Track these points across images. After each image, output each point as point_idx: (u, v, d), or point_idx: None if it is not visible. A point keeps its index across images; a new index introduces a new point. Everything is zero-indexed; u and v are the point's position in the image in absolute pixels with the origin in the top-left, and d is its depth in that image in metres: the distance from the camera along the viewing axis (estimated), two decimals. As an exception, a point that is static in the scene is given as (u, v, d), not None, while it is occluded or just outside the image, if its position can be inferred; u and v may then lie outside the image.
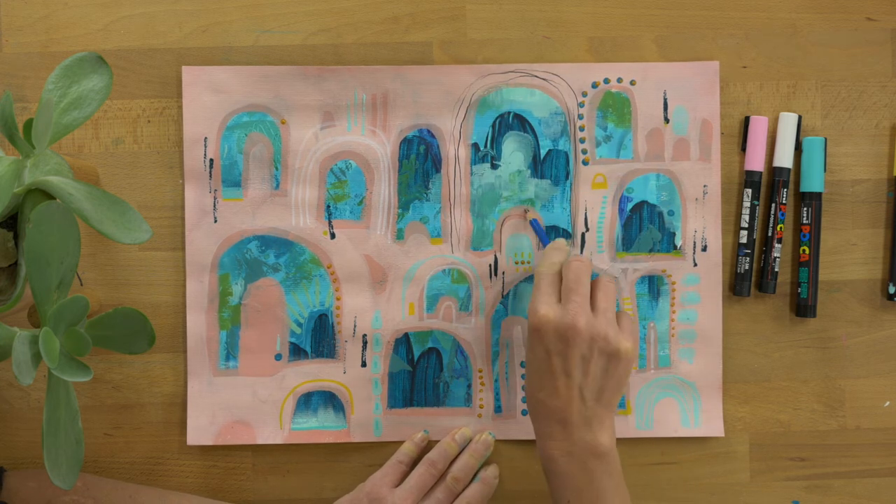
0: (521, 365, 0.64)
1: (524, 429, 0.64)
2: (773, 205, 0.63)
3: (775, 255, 0.63)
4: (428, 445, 0.63)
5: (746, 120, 0.64)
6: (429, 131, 0.63)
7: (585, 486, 0.53)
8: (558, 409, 0.53)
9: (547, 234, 0.63)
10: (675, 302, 0.64)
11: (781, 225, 0.64)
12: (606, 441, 0.54)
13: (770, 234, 0.64)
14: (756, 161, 0.63)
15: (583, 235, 0.64)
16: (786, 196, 0.63)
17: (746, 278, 0.64)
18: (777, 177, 0.63)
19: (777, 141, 0.63)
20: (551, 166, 0.64)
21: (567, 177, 0.64)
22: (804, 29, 0.64)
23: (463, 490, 0.61)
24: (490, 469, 0.62)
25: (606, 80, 0.63)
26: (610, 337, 0.53)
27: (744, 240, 0.63)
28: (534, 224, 0.62)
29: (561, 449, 0.54)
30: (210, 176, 0.63)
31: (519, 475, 0.64)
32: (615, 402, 0.54)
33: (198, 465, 0.64)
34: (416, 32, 0.63)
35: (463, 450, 0.62)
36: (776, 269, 0.63)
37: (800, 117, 0.63)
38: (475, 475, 0.62)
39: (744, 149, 0.64)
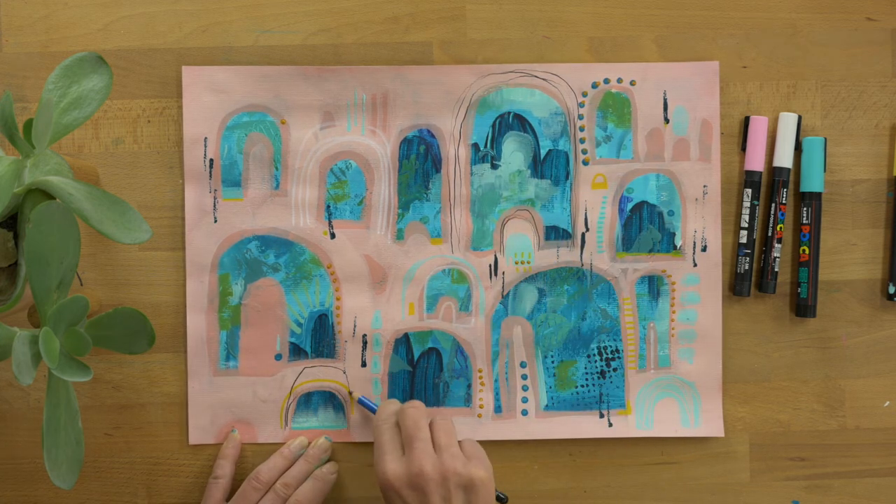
0: (522, 365, 0.64)
1: (524, 429, 0.64)
2: (773, 205, 0.63)
3: (775, 255, 0.63)
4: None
5: (746, 120, 0.64)
6: (429, 131, 0.63)
7: None
8: None
9: (550, 236, 0.63)
10: (675, 302, 0.64)
11: (781, 225, 0.64)
12: None
13: (770, 234, 0.64)
14: (756, 161, 0.63)
15: (583, 235, 0.64)
16: (786, 196, 0.63)
17: (746, 278, 0.64)
18: (777, 177, 0.63)
19: (777, 141, 0.63)
20: (551, 166, 0.64)
21: (567, 177, 0.64)
22: (804, 29, 0.64)
23: (293, 495, 0.60)
24: (326, 466, 0.61)
25: (606, 81, 0.63)
26: (459, 470, 0.53)
27: (744, 240, 0.63)
28: (361, 401, 0.62)
29: None
30: (210, 176, 0.63)
31: (519, 475, 0.64)
32: None
33: (198, 465, 0.64)
34: (416, 32, 0.63)
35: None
36: (776, 269, 0.63)
37: (800, 117, 0.63)
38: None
39: (744, 149, 0.64)
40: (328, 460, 0.62)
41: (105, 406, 0.64)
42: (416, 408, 0.57)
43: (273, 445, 0.63)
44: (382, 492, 0.54)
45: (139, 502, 0.64)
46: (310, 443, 0.63)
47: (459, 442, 0.57)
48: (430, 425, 0.57)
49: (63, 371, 0.47)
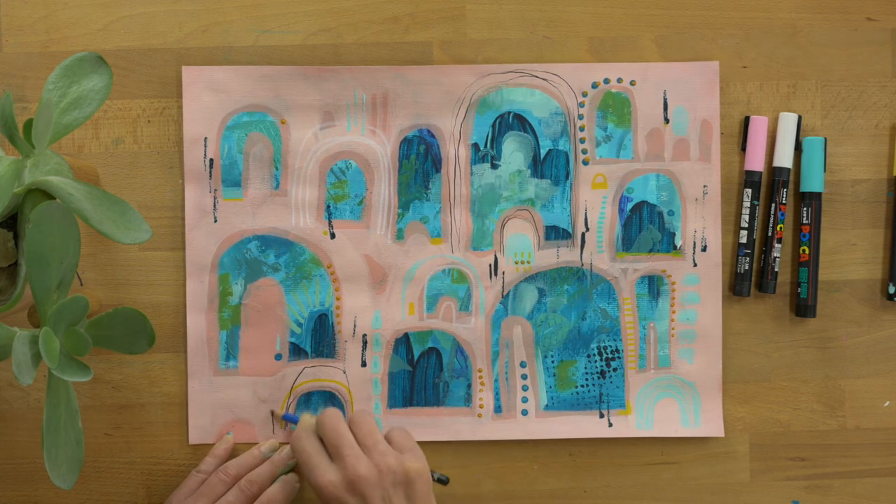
0: (522, 365, 0.64)
1: (524, 429, 0.64)
2: (773, 205, 0.63)
3: (775, 255, 0.63)
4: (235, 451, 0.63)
5: (746, 120, 0.64)
6: (429, 131, 0.63)
7: None
8: None
9: (550, 236, 0.63)
10: (675, 302, 0.64)
11: (781, 225, 0.64)
12: None
13: (770, 234, 0.64)
14: (756, 161, 0.63)
15: (583, 235, 0.64)
16: (786, 196, 0.63)
17: (746, 278, 0.64)
18: (777, 177, 0.63)
19: (777, 141, 0.63)
20: (551, 166, 0.64)
21: (567, 177, 0.64)
22: (804, 29, 0.64)
23: (259, 494, 0.59)
24: (291, 474, 0.61)
25: (606, 81, 0.63)
26: (393, 467, 0.53)
27: (744, 240, 0.63)
28: (286, 417, 0.62)
29: None
30: (210, 176, 0.63)
31: (519, 475, 0.64)
32: None
33: (198, 464, 0.64)
34: (416, 32, 0.63)
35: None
36: (776, 269, 0.63)
37: (800, 117, 0.63)
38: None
39: (744, 149, 0.64)
40: (294, 467, 0.62)
41: (105, 406, 0.64)
42: (331, 416, 0.56)
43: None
44: (324, 502, 0.53)
45: (139, 502, 0.64)
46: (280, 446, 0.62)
47: (386, 435, 0.56)
48: (350, 427, 0.56)
49: (63, 371, 0.47)
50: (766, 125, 0.63)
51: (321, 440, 0.56)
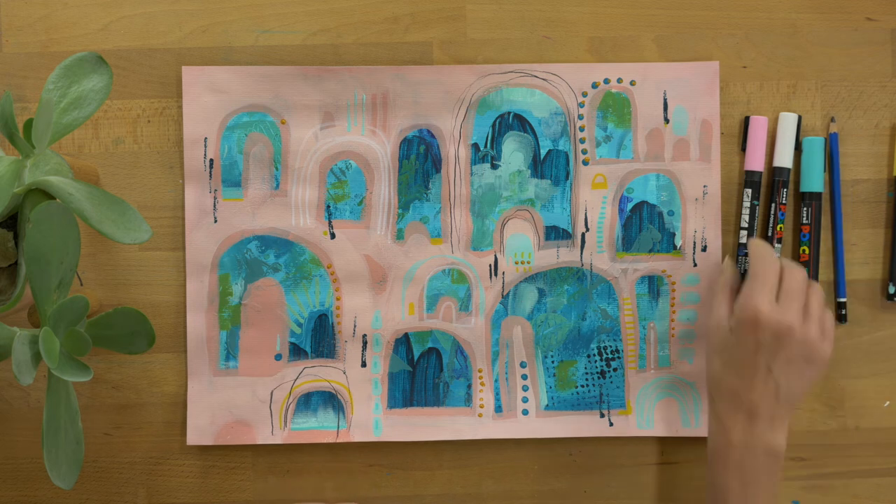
0: (522, 365, 0.64)
1: (524, 429, 0.64)
2: (773, 205, 0.63)
3: (775, 255, 0.63)
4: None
5: (746, 120, 0.63)
6: (429, 131, 0.63)
7: (753, 480, 0.55)
8: (751, 402, 0.55)
9: (550, 236, 0.63)
10: (675, 302, 0.64)
11: (781, 225, 0.64)
12: (783, 442, 0.56)
13: (770, 234, 0.64)
14: (756, 161, 0.63)
15: (583, 235, 0.64)
16: (786, 196, 0.63)
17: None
18: (777, 177, 0.63)
19: (777, 141, 0.63)
20: (551, 166, 0.64)
21: (567, 177, 0.64)
22: (804, 29, 0.64)
23: None
24: None
25: (606, 81, 0.63)
26: (817, 345, 0.56)
27: (744, 240, 0.63)
28: None
29: (741, 440, 0.55)
30: (210, 176, 0.63)
31: (519, 475, 0.64)
32: (799, 403, 0.57)
33: (198, 465, 0.64)
34: (416, 32, 0.63)
35: None
36: None
37: (799, 117, 0.63)
38: None
39: (744, 149, 0.64)
40: None
41: (105, 406, 0.64)
42: (802, 271, 0.58)
43: (272, 446, 0.63)
44: (744, 322, 0.55)
45: (139, 502, 0.64)
46: None
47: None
48: (808, 288, 0.58)
49: (63, 371, 0.47)
50: (766, 125, 0.63)
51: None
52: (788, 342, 0.55)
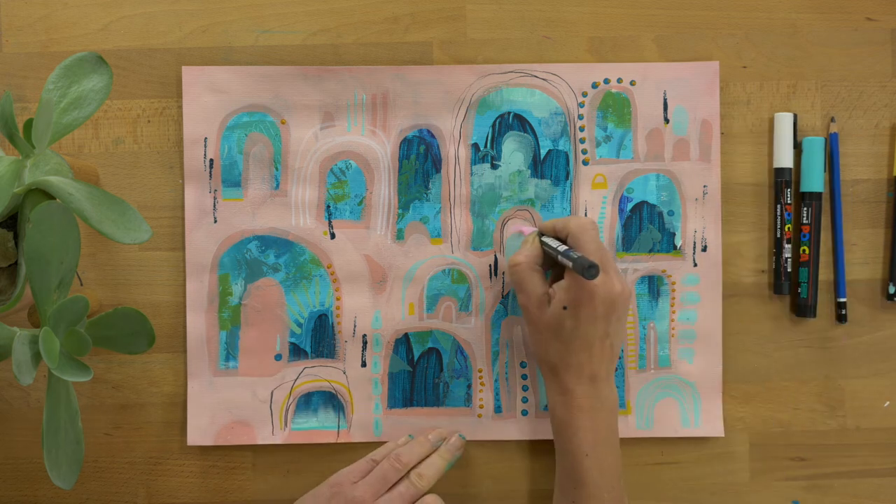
0: (522, 365, 0.64)
1: (524, 429, 0.64)
2: (779, 206, 0.63)
3: (786, 255, 0.63)
4: None
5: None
6: (429, 131, 0.63)
7: (603, 439, 0.57)
8: (593, 368, 0.57)
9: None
10: (675, 302, 0.64)
11: (789, 225, 0.63)
12: (615, 395, 0.58)
13: (778, 235, 0.64)
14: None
15: (583, 235, 0.64)
16: (790, 196, 0.63)
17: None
18: (778, 178, 0.63)
19: (774, 142, 0.63)
20: (551, 166, 0.64)
21: (567, 177, 0.64)
22: (804, 29, 0.64)
23: (427, 489, 0.59)
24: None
25: (606, 81, 0.63)
26: (626, 293, 0.57)
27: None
28: None
29: (589, 404, 0.57)
30: (210, 176, 0.63)
31: (519, 475, 0.64)
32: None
33: (198, 465, 0.64)
34: (416, 32, 0.63)
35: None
36: (788, 270, 0.63)
37: (795, 116, 0.63)
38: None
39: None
40: (459, 458, 0.63)
41: (105, 406, 0.64)
42: (593, 224, 0.58)
43: (272, 446, 0.63)
44: (574, 300, 0.56)
45: (139, 502, 0.64)
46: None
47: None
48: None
49: (63, 371, 0.47)
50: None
51: None
52: (617, 304, 0.56)
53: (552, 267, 0.60)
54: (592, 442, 0.56)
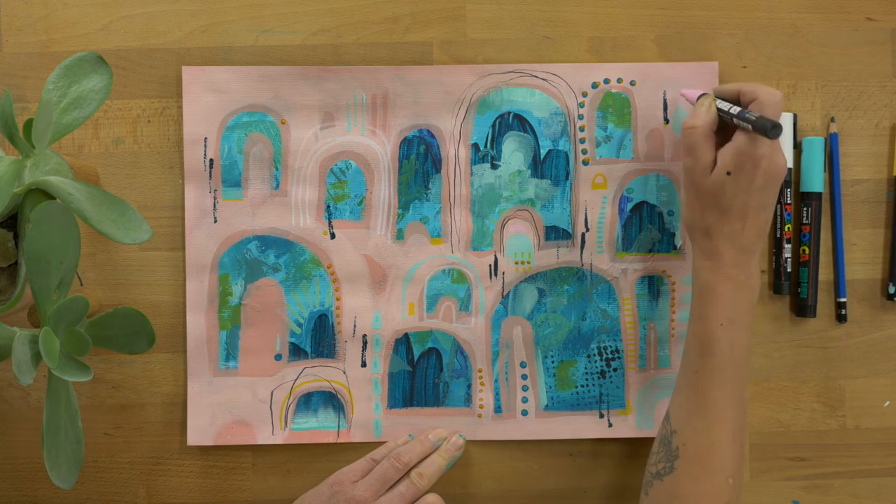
0: (522, 365, 0.64)
1: (524, 429, 0.64)
2: (779, 206, 0.63)
3: (786, 255, 0.63)
4: None
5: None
6: (429, 131, 0.63)
7: (741, 315, 0.56)
8: (744, 238, 0.56)
9: (550, 236, 0.63)
10: (674, 302, 0.64)
11: (789, 225, 0.64)
12: (759, 274, 0.58)
13: (778, 235, 0.64)
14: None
15: (583, 235, 0.64)
16: (789, 196, 0.63)
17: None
18: (777, 177, 0.63)
19: (777, 141, 0.63)
20: (551, 166, 0.64)
21: (567, 177, 0.64)
22: (804, 29, 0.64)
23: (427, 488, 0.59)
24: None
25: (606, 81, 0.63)
26: (786, 169, 0.56)
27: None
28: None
29: (735, 274, 0.56)
30: (210, 176, 0.63)
31: (519, 475, 0.64)
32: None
33: (198, 465, 0.64)
34: (416, 32, 0.63)
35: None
36: (789, 270, 0.63)
37: (795, 116, 0.63)
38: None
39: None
40: (459, 458, 0.63)
41: (105, 406, 0.64)
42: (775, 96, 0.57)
43: (272, 446, 0.63)
44: (769, 175, 0.55)
45: (139, 502, 0.64)
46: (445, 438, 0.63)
47: None
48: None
49: (63, 371, 0.47)
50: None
51: None
52: (777, 178, 0.56)
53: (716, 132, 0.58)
54: (730, 314, 0.56)
